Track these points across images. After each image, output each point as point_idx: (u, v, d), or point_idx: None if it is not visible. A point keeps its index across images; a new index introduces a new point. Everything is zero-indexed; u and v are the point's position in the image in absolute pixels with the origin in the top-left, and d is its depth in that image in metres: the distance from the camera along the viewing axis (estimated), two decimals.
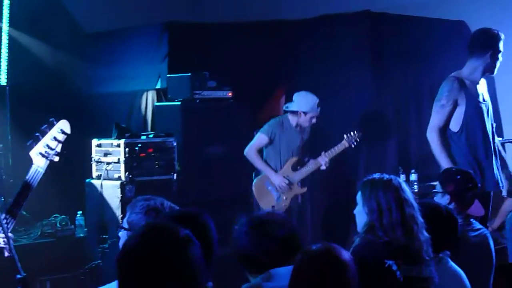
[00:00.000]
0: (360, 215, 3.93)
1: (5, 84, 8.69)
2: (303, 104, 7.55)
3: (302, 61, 8.84)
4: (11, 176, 7.64)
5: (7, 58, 8.73)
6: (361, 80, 8.77)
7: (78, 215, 7.81)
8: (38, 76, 8.88)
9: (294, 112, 7.60)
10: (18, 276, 3.93)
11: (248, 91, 8.27)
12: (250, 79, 8.48)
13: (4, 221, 4.08)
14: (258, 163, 7.60)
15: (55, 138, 4.44)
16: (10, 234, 4.19)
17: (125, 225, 3.63)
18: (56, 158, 4.46)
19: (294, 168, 7.68)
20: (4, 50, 8.75)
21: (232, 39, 8.65)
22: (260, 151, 7.68)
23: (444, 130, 6.20)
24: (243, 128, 8.02)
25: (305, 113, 7.54)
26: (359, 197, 3.95)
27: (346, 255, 3.00)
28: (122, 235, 3.66)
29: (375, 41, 8.93)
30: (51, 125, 4.48)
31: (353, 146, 7.64)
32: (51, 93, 8.76)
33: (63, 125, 4.50)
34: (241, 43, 8.64)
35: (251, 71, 8.57)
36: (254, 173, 7.80)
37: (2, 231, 4.19)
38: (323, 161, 7.59)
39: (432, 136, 6.18)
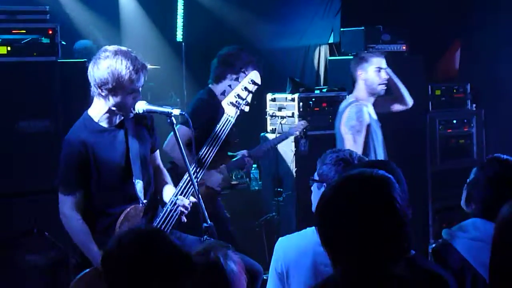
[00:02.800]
0: None
1: (181, 40, 8.93)
2: None
3: (480, 12, 8.47)
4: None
5: (182, 14, 8.95)
6: None
7: (253, 169, 7.96)
8: (211, 32, 9.05)
9: None
10: (205, 224, 4.07)
11: (423, 44, 8.03)
12: (425, 32, 8.22)
13: (193, 173, 4.22)
14: None
15: (246, 89, 4.60)
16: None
17: (316, 177, 3.65)
18: (247, 108, 4.62)
19: None
20: (180, 7, 8.97)
21: None
22: None
23: None
24: (418, 82, 7.80)
25: None
26: None
27: None
28: (314, 187, 3.69)
29: None
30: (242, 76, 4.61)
31: None
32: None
33: (254, 75, 4.66)
34: None
35: (426, 23, 8.30)
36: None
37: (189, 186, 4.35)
38: None
39: None
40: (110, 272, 2.57)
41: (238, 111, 4.60)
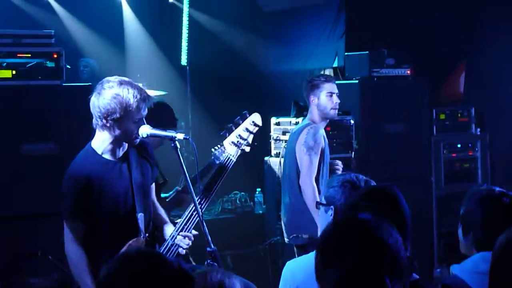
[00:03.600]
0: None
1: (186, 64, 8.96)
2: None
3: (484, 34, 8.49)
4: (192, 154, 7.84)
5: (187, 38, 8.99)
6: None
7: (257, 192, 7.97)
8: (216, 56, 9.10)
9: None
10: (209, 249, 4.06)
11: (427, 68, 8.05)
12: (429, 55, 8.25)
13: (197, 202, 4.22)
14: None
15: (247, 130, 4.68)
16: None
17: (323, 201, 3.65)
18: (247, 149, 4.69)
19: None
20: (185, 31, 9.01)
21: (410, 14, 8.46)
22: None
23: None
24: (422, 106, 7.83)
25: None
26: None
27: None
28: (321, 211, 3.67)
29: None
30: (243, 117, 4.75)
31: None
32: (230, 72, 8.94)
33: (255, 117, 4.74)
34: (419, 18, 8.42)
35: (430, 47, 8.34)
36: None
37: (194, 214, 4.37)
38: None
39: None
40: None
41: (239, 150, 4.67)
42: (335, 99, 6.31)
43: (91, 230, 4.26)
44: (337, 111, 6.36)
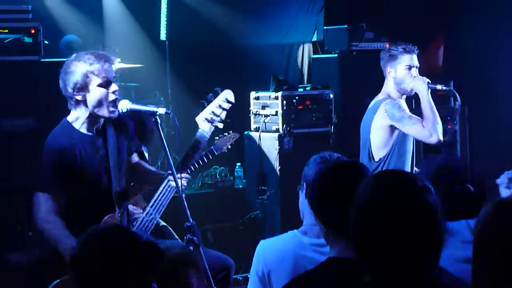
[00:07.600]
0: None
1: (165, 39, 8.92)
2: None
3: (465, 7, 8.48)
4: (172, 128, 7.85)
5: (166, 13, 8.94)
6: None
7: (237, 167, 7.97)
8: (195, 30, 9.05)
9: None
10: (187, 223, 4.09)
11: (407, 41, 8.03)
12: (408, 29, 8.26)
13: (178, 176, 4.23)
14: None
15: (220, 106, 4.70)
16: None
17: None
18: (220, 125, 4.73)
19: None
20: (164, 5, 8.95)
21: None
22: None
23: None
24: None
25: None
26: None
27: None
28: (301, 194, 3.59)
29: None
30: (216, 94, 4.80)
31: None
32: (209, 46, 8.90)
33: (228, 94, 4.74)
34: None
35: (409, 20, 8.35)
36: None
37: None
38: None
39: None
40: (81, 274, 2.54)
41: (213, 127, 4.68)
42: (414, 73, 5.72)
43: (67, 205, 4.25)
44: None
